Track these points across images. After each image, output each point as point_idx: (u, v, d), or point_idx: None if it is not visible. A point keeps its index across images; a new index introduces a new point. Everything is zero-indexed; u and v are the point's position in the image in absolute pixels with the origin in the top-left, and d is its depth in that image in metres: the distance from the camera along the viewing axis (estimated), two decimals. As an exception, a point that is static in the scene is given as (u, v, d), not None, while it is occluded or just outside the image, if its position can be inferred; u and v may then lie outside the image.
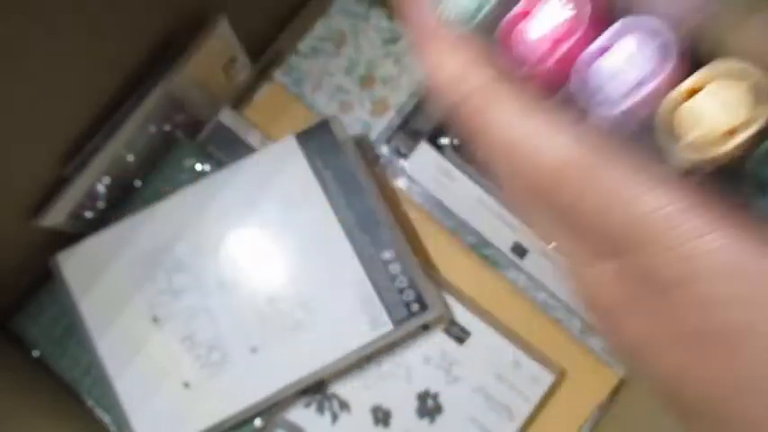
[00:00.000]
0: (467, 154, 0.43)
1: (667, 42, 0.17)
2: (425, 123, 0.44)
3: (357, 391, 0.44)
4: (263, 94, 0.48)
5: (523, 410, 0.44)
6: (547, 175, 0.17)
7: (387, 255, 0.40)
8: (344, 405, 0.44)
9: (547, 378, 0.44)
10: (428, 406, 0.44)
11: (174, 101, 0.41)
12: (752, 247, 0.14)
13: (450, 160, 0.43)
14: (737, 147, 0.16)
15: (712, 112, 0.16)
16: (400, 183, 0.46)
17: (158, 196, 0.42)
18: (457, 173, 0.43)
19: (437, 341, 0.44)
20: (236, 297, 0.40)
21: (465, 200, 0.44)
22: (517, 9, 0.18)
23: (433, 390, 0.44)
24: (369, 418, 0.44)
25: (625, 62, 0.17)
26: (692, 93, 0.16)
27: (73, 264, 0.41)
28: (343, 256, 0.40)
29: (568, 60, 0.18)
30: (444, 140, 0.43)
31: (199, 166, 0.44)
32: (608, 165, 0.16)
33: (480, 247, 0.47)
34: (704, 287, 0.14)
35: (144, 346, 0.40)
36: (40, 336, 0.43)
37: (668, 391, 0.16)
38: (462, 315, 0.44)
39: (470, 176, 0.43)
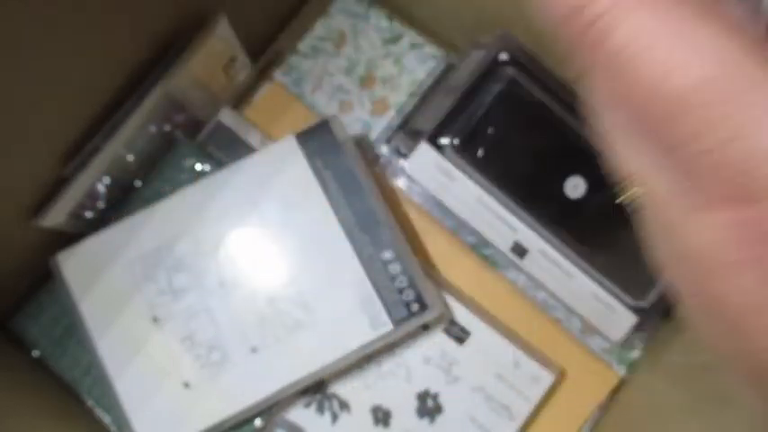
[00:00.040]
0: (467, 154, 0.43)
1: None
2: (425, 123, 0.44)
3: (357, 391, 0.44)
4: (263, 94, 0.48)
5: (523, 410, 0.44)
6: (679, 95, 0.14)
7: (387, 255, 0.40)
8: (344, 405, 0.44)
9: (547, 378, 0.44)
10: (428, 406, 0.44)
11: (174, 101, 0.41)
12: None
13: (451, 160, 0.43)
14: None
15: None
16: (400, 183, 0.46)
17: (158, 196, 0.42)
18: (457, 173, 0.43)
19: (437, 341, 0.44)
20: (236, 297, 0.40)
21: (465, 200, 0.44)
22: None
23: (433, 390, 0.44)
24: (369, 418, 0.44)
25: None
26: None
27: (73, 264, 0.41)
28: (343, 256, 0.40)
29: None
30: (444, 140, 0.43)
31: (199, 166, 0.44)
32: (761, 90, 0.14)
33: (480, 247, 0.47)
34: None
35: (144, 346, 0.40)
36: (40, 336, 0.43)
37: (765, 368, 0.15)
38: (462, 315, 0.44)
39: (470, 176, 0.43)
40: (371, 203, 0.40)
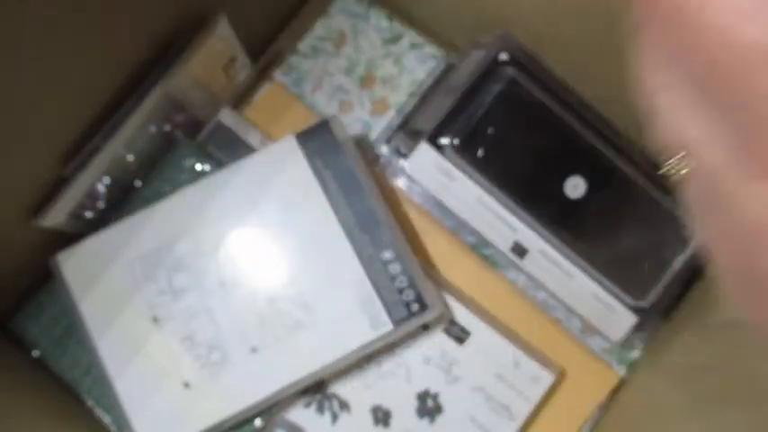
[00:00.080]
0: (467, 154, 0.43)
1: None
2: (425, 123, 0.44)
3: (357, 391, 0.44)
4: (263, 94, 0.48)
5: (523, 410, 0.44)
6: (755, 47, 0.13)
7: (387, 255, 0.40)
8: (344, 405, 0.44)
9: (547, 378, 0.44)
10: (428, 406, 0.44)
11: (174, 101, 0.41)
12: None
13: (451, 160, 0.43)
14: None
15: None
16: (400, 183, 0.46)
17: (158, 196, 0.42)
18: (457, 173, 0.43)
19: (437, 341, 0.44)
20: (236, 297, 0.40)
21: (465, 200, 0.44)
22: None
23: (433, 390, 0.44)
24: (369, 418, 0.44)
25: None
26: None
27: (73, 264, 0.41)
28: (343, 256, 0.40)
29: None
30: (444, 140, 0.43)
31: (199, 166, 0.44)
32: None
33: (480, 247, 0.47)
34: None
35: (144, 346, 0.40)
36: (40, 336, 0.43)
37: None
38: (462, 315, 0.44)
39: (470, 176, 0.43)
40: (371, 203, 0.40)
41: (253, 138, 0.45)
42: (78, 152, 0.38)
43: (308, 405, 0.44)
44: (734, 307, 0.18)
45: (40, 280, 0.43)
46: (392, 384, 0.44)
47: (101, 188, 0.41)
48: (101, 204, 0.42)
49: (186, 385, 0.39)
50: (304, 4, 0.50)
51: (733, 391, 0.36)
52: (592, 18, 0.39)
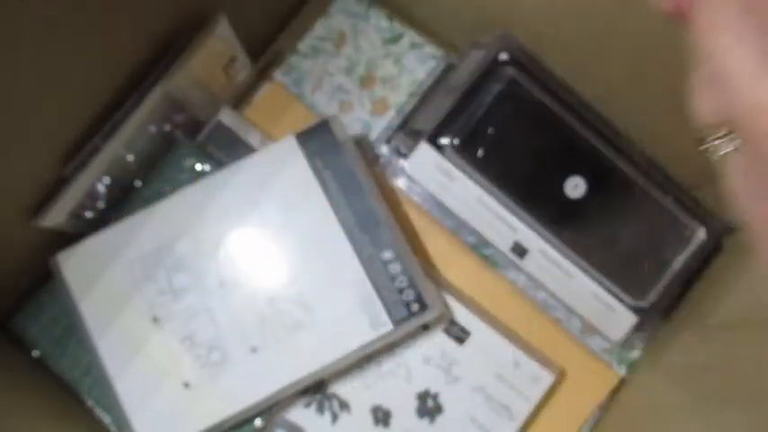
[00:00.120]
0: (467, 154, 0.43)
1: None
2: (425, 123, 0.44)
3: (357, 391, 0.44)
4: (263, 94, 0.48)
5: (523, 410, 0.44)
6: None
7: (387, 255, 0.40)
8: (344, 405, 0.44)
9: (547, 378, 0.44)
10: (428, 406, 0.44)
11: (174, 101, 0.41)
12: None
13: (451, 160, 0.43)
14: None
15: None
16: (400, 183, 0.46)
17: (158, 196, 0.42)
18: (457, 173, 0.43)
19: (437, 341, 0.44)
20: (236, 297, 0.40)
21: (465, 200, 0.44)
22: None
23: (433, 390, 0.44)
24: (369, 418, 0.44)
25: None
26: None
27: (73, 264, 0.41)
28: (343, 256, 0.40)
29: None
30: (444, 140, 0.43)
31: (199, 166, 0.44)
32: None
33: (480, 247, 0.47)
34: None
35: (144, 346, 0.40)
36: (40, 336, 0.43)
37: None
38: (462, 315, 0.44)
39: (470, 176, 0.43)
40: (371, 203, 0.40)
41: (253, 138, 0.45)
42: (78, 152, 0.38)
43: (308, 405, 0.44)
44: None
45: (40, 280, 0.43)
46: (392, 384, 0.44)
47: (101, 188, 0.41)
48: (101, 204, 0.42)
49: (186, 385, 0.39)
50: (304, 4, 0.50)
51: (733, 391, 0.36)
52: (592, 18, 0.39)
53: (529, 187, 0.44)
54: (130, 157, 0.42)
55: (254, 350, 0.40)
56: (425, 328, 0.44)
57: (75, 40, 0.32)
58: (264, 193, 0.41)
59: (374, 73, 0.49)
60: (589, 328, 0.46)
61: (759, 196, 0.17)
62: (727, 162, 0.18)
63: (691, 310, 0.46)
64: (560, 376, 0.45)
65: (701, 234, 0.45)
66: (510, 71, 0.43)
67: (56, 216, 0.39)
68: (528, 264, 0.44)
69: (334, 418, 0.44)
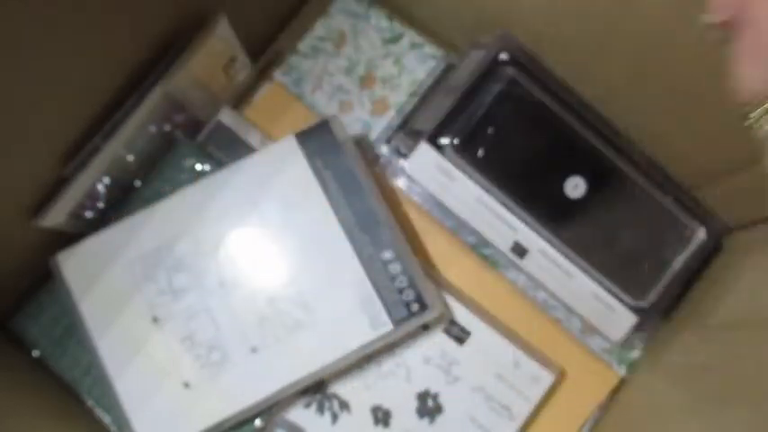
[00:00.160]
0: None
1: None
2: (425, 123, 0.44)
3: (357, 391, 0.44)
4: (263, 94, 0.48)
5: (523, 410, 0.44)
6: None
7: (387, 255, 0.40)
8: (344, 405, 0.44)
9: (547, 378, 0.44)
10: (428, 406, 0.44)
11: (174, 101, 0.41)
12: None
13: (451, 160, 0.43)
14: None
15: None
16: (400, 183, 0.46)
17: (158, 196, 0.42)
18: (457, 173, 0.43)
19: (437, 341, 0.44)
20: (236, 297, 0.40)
21: (465, 200, 0.44)
22: None
23: (433, 390, 0.44)
24: (369, 418, 0.44)
25: None
26: None
27: (73, 264, 0.41)
28: (343, 256, 0.40)
29: None
30: (444, 140, 0.43)
31: (199, 166, 0.44)
32: None
33: (480, 247, 0.47)
34: None
35: (144, 346, 0.40)
36: (40, 336, 0.43)
37: None
38: (462, 315, 0.44)
39: (470, 176, 0.43)
40: (371, 203, 0.40)
41: (253, 138, 0.45)
42: (78, 152, 0.38)
43: (308, 405, 0.44)
44: None
45: (40, 280, 0.43)
46: (392, 384, 0.44)
47: (101, 188, 0.41)
48: (101, 204, 0.42)
49: (186, 385, 0.39)
50: (304, 4, 0.50)
51: (733, 391, 0.36)
52: (592, 18, 0.39)
53: (529, 187, 0.44)
54: (130, 157, 0.42)
55: (254, 350, 0.40)
56: (425, 328, 0.44)
57: (75, 40, 0.32)
58: (264, 193, 0.41)
59: (374, 73, 0.49)
60: (589, 328, 0.46)
61: None
62: None
63: (691, 310, 0.46)
64: (560, 376, 0.45)
65: (700, 234, 0.45)
66: (510, 71, 0.43)
67: (56, 216, 0.39)
68: (528, 264, 0.44)
69: (335, 418, 0.44)
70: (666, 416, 0.40)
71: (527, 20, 0.43)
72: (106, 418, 0.42)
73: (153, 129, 0.42)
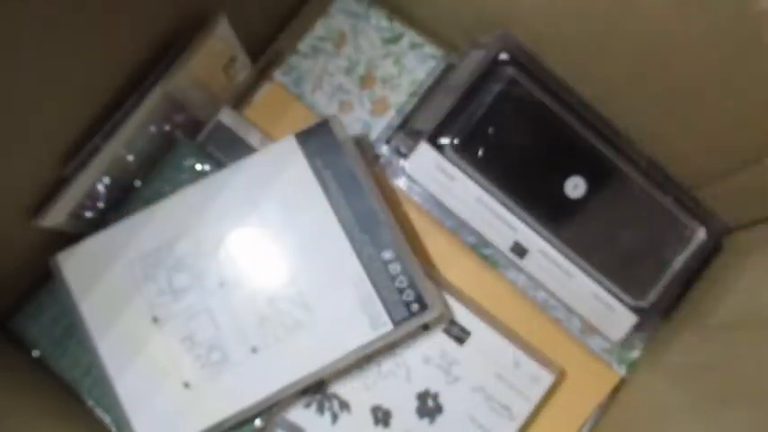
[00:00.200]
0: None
1: None
2: (425, 123, 0.44)
3: (357, 391, 0.44)
4: (263, 94, 0.48)
5: (523, 410, 0.44)
6: None
7: (387, 255, 0.40)
8: (344, 405, 0.44)
9: (547, 378, 0.44)
10: (428, 406, 0.44)
11: (174, 101, 0.41)
12: None
13: (451, 160, 0.43)
14: None
15: None
16: (400, 183, 0.46)
17: (158, 196, 0.42)
18: (457, 173, 0.43)
19: (437, 341, 0.44)
20: (236, 297, 0.40)
21: (465, 200, 0.44)
22: None
23: (433, 390, 0.44)
24: (369, 418, 0.44)
25: None
26: None
27: (73, 264, 0.41)
28: (343, 256, 0.40)
29: None
30: (444, 140, 0.43)
31: (199, 166, 0.44)
32: None
33: (480, 247, 0.47)
34: None
35: (144, 346, 0.40)
36: (40, 336, 0.43)
37: None
38: (462, 315, 0.44)
39: (470, 176, 0.43)
40: (371, 203, 0.40)
41: (253, 138, 0.45)
42: (78, 152, 0.38)
43: (308, 405, 0.44)
44: None
45: (40, 280, 0.43)
46: (392, 384, 0.44)
47: (101, 188, 0.41)
48: (101, 204, 0.42)
49: (186, 385, 0.39)
50: (304, 4, 0.50)
51: (733, 391, 0.36)
52: (592, 18, 0.39)
53: (529, 187, 0.44)
54: (130, 157, 0.42)
55: (254, 350, 0.40)
56: (425, 328, 0.44)
57: (75, 40, 0.32)
58: (264, 193, 0.41)
59: (374, 73, 0.49)
60: (589, 328, 0.46)
61: None
62: None
63: (691, 310, 0.46)
64: (560, 376, 0.45)
65: (700, 234, 0.45)
66: (510, 71, 0.43)
67: (56, 216, 0.39)
68: (528, 264, 0.44)
69: (334, 418, 0.44)
70: (666, 416, 0.40)
71: (527, 20, 0.43)
72: (106, 419, 0.42)
73: (153, 129, 0.42)
